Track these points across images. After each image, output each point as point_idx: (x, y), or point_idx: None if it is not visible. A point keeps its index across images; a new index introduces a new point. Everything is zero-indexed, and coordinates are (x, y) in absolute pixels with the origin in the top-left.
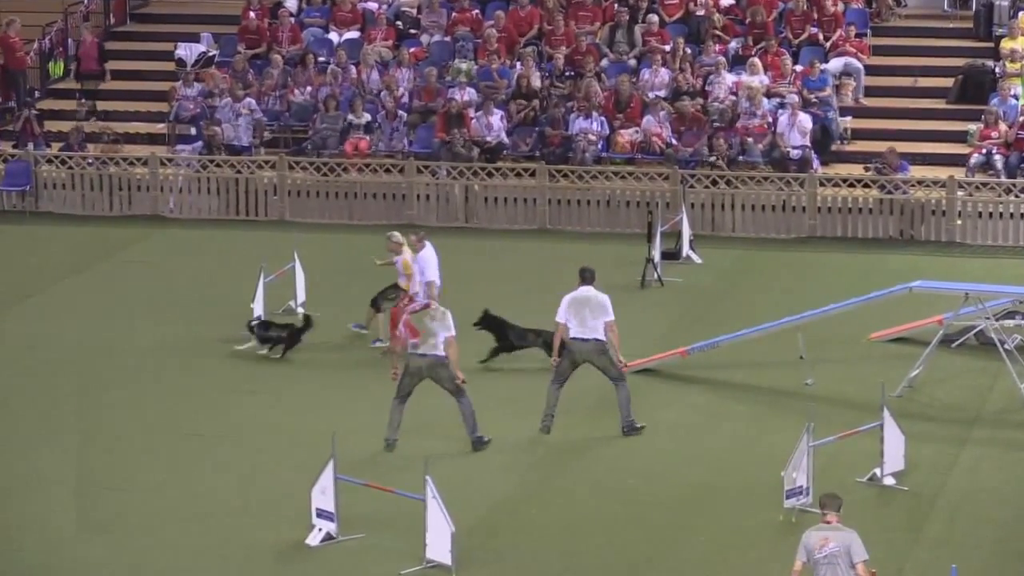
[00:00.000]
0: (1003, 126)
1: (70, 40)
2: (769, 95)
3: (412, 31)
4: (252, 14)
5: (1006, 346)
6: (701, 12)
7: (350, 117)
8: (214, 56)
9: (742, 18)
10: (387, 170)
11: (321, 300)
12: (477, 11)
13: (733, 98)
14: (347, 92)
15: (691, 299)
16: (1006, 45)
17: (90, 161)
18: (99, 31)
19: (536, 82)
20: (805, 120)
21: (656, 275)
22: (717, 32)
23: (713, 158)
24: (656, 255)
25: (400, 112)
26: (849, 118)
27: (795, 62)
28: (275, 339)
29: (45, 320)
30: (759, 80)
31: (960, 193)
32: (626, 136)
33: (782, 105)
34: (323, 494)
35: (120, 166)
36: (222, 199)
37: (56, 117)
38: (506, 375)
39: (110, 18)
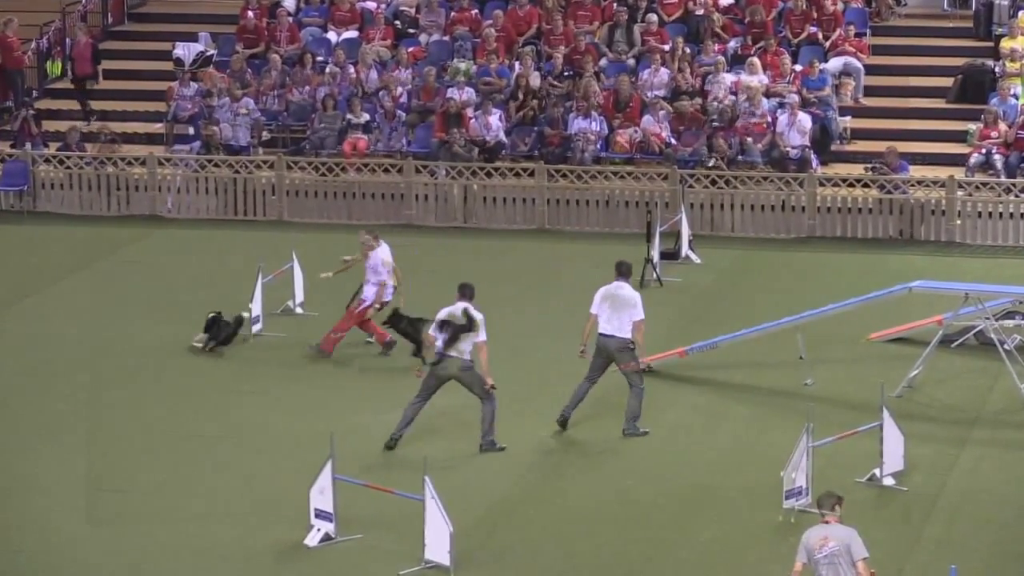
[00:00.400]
0: (1003, 126)
1: (68, 40)
2: (768, 95)
3: (411, 31)
4: (250, 13)
5: (1006, 346)
6: (700, 11)
7: (348, 117)
8: (212, 56)
9: (741, 17)
10: (386, 170)
11: (320, 300)
12: (476, 11)
13: (732, 98)
14: (345, 92)
15: (690, 299)
16: (1006, 44)
17: (88, 161)
18: (97, 31)
19: (535, 82)
20: (804, 120)
21: (655, 275)
22: (717, 32)
23: (712, 161)
24: (655, 255)
25: (399, 112)
26: (849, 118)
27: (794, 62)
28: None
29: (44, 320)
30: (758, 80)
31: (960, 193)
32: (625, 136)
33: (781, 105)
34: (322, 494)
35: (118, 166)
36: (220, 199)
37: (54, 117)
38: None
39: (108, 17)
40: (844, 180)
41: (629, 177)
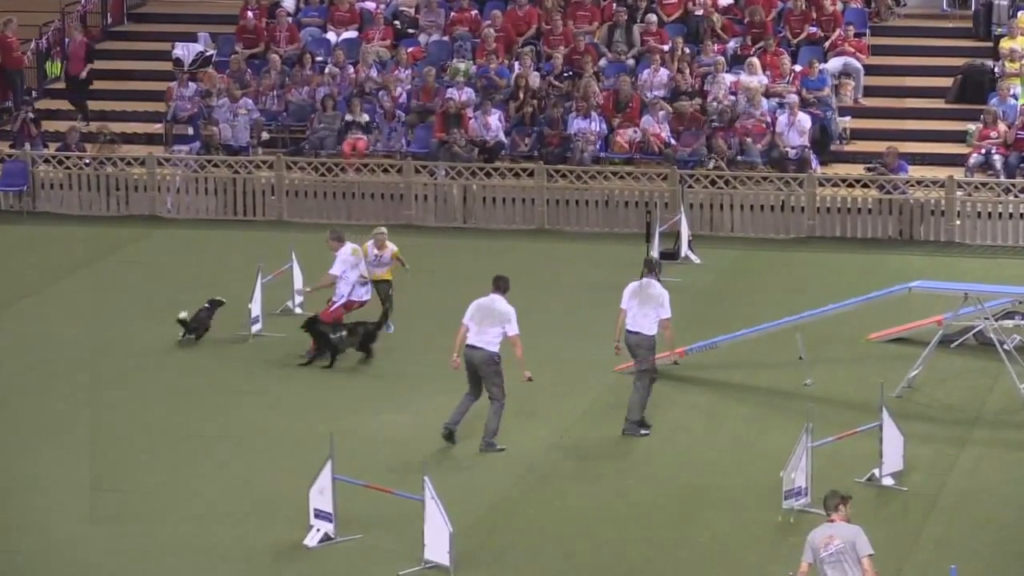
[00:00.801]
0: (1002, 126)
1: (67, 40)
2: (768, 95)
3: (410, 31)
4: (250, 14)
5: (1005, 346)
6: (700, 12)
7: (348, 117)
8: (212, 56)
9: (741, 18)
10: (385, 170)
11: (319, 300)
12: (476, 11)
13: (732, 98)
14: (345, 92)
15: (690, 299)
16: (1005, 45)
17: (87, 161)
18: (98, 30)
19: (535, 82)
20: (804, 120)
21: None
22: (716, 32)
23: (712, 162)
24: (655, 255)
25: (398, 112)
26: (848, 118)
27: (794, 62)
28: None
29: (44, 320)
30: (758, 80)
31: (959, 193)
32: (625, 136)
33: (781, 105)
34: (321, 495)
35: (117, 166)
36: (220, 199)
37: (53, 117)
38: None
39: (107, 18)
40: (844, 180)
41: (629, 177)
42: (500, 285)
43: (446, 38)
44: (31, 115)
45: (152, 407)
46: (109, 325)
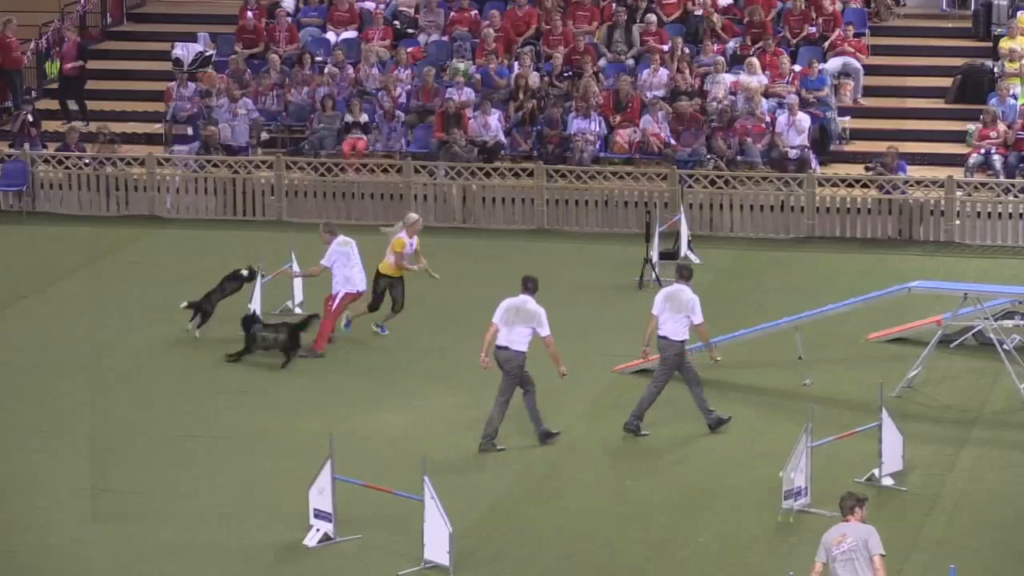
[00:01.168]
0: (1002, 126)
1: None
2: (768, 95)
3: (410, 31)
4: (249, 14)
5: (1005, 346)
6: (699, 12)
7: (348, 117)
8: (211, 56)
9: (740, 18)
10: (385, 170)
11: (319, 300)
12: (475, 11)
13: (732, 98)
14: (344, 92)
15: None
16: (1005, 45)
17: (87, 161)
18: (97, 31)
19: (534, 82)
20: (804, 120)
21: (654, 275)
22: (716, 32)
23: (711, 163)
24: (654, 255)
25: (398, 112)
26: (848, 118)
27: (793, 62)
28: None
29: (44, 320)
30: (757, 80)
31: (959, 193)
32: (624, 136)
33: (780, 105)
34: (321, 494)
35: (117, 166)
36: (219, 199)
37: (53, 117)
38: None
39: (107, 17)
40: (843, 180)
41: (628, 177)
42: (529, 285)
43: (446, 38)
44: (30, 118)
45: (152, 407)
46: (109, 325)
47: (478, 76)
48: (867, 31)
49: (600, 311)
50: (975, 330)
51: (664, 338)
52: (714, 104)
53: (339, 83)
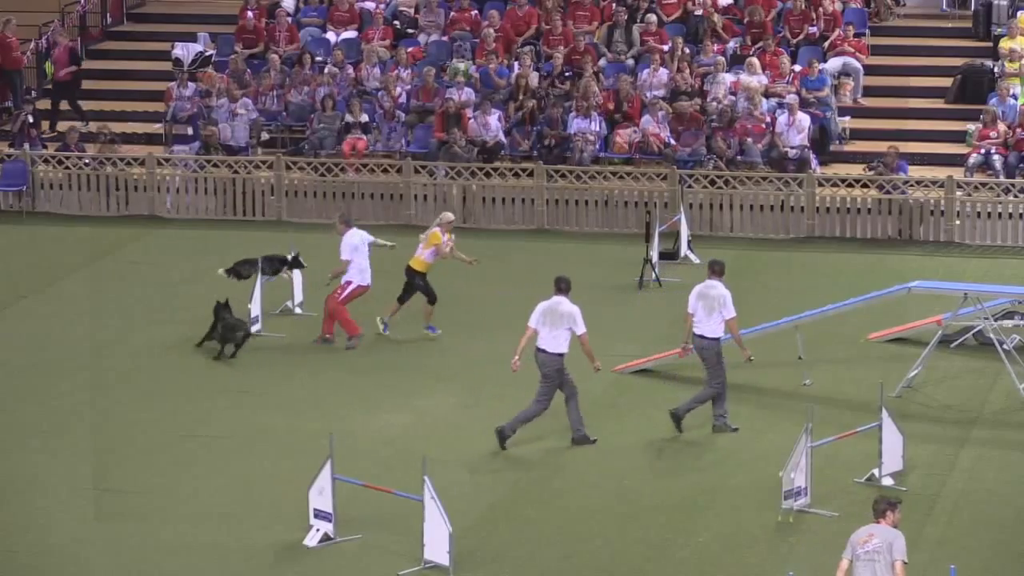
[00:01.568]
0: (1002, 126)
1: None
2: (768, 95)
3: (410, 31)
4: (249, 14)
5: (1005, 346)
6: (699, 12)
7: (348, 117)
8: (211, 56)
9: (740, 18)
10: (385, 170)
11: (319, 301)
12: (475, 11)
13: (732, 98)
14: (344, 92)
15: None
16: (1005, 45)
17: (87, 161)
18: (97, 31)
19: (534, 82)
20: (804, 120)
21: (654, 275)
22: (716, 32)
23: (711, 163)
24: (654, 255)
25: (398, 112)
26: (848, 118)
27: (793, 62)
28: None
29: (43, 320)
30: (757, 80)
31: (959, 193)
32: (624, 136)
33: (780, 105)
34: (321, 494)
35: (117, 166)
36: (219, 199)
37: (46, 117)
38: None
39: (107, 18)
40: (843, 180)
41: (628, 177)
42: (562, 286)
43: (446, 38)
44: (31, 118)
45: (152, 407)
46: (109, 325)
47: (477, 76)
48: (867, 31)
49: (600, 311)
50: (975, 330)
51: (702, 336)
52: (714, 104)
53: (339, 83)
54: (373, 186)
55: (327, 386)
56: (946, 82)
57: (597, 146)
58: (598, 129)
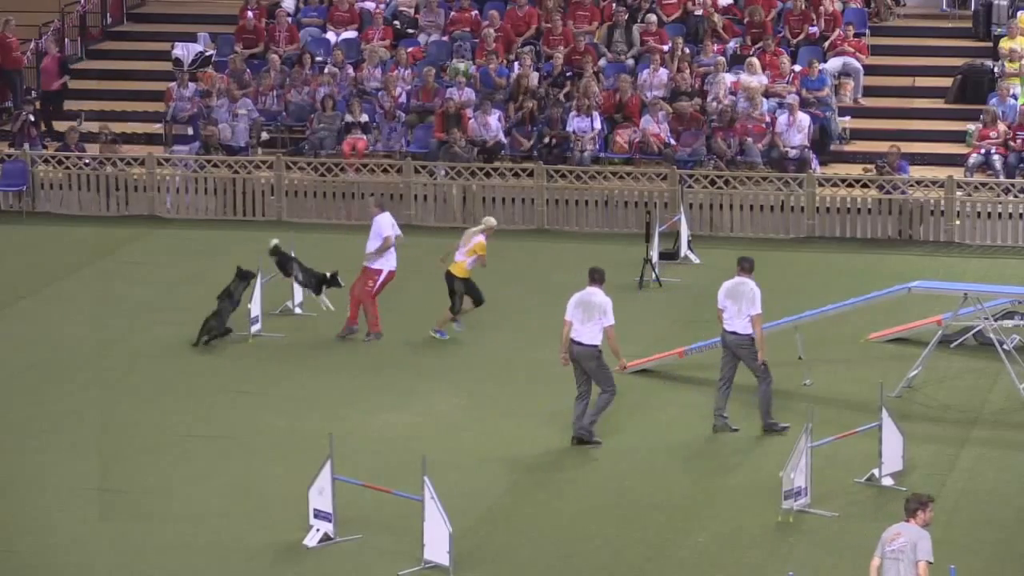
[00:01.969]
0: (1002, 126)
1: (67, 40)
2: (768, 95)
3: (410, 31)
4: (250, 14)
5: (1005, 346)
6: (699, 12)
7: (348, 117)
8: (211, 56)
9: (740, 18)
10: (385, 170)
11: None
12: (475, 11)
13: (732, 98)
14: (344, 92)
15: (690, 299)
16: (1005, 45)
17: (87, 161)
18: (97, 31)
19: (534, 82)
20: (804, 120)
21: (654, 275)
22: (716, 32)
23: (711, 164)
24: (654, 255)
25: (398, 112)
26: (848, 118)
27: (794, 62)
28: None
29: (43, 320)
30: (758, 80)
31: (959, 193)
32: (624, 136)
33: (781, 105)
34: (320, 495)
35: (117, 166)
36: (219, 199)
37: (52, 117)
38: (506, 376)
39: (107, 18)
40: (843, 180)
41: (628, 177)
42: (596, 277)
43: (446, 38)
44: (31, 118)
45: (152, 407)
46: (109, 325)
47: (476, 75)
48: (867, 31)
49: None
50: (975, 330)
51: (734, 333)
52: (714, 104)
53: (339, 83)
54: (373, 186)
55: (327, 386)
56: (946, 82)
57: (597, 146)
58: (598, 129)
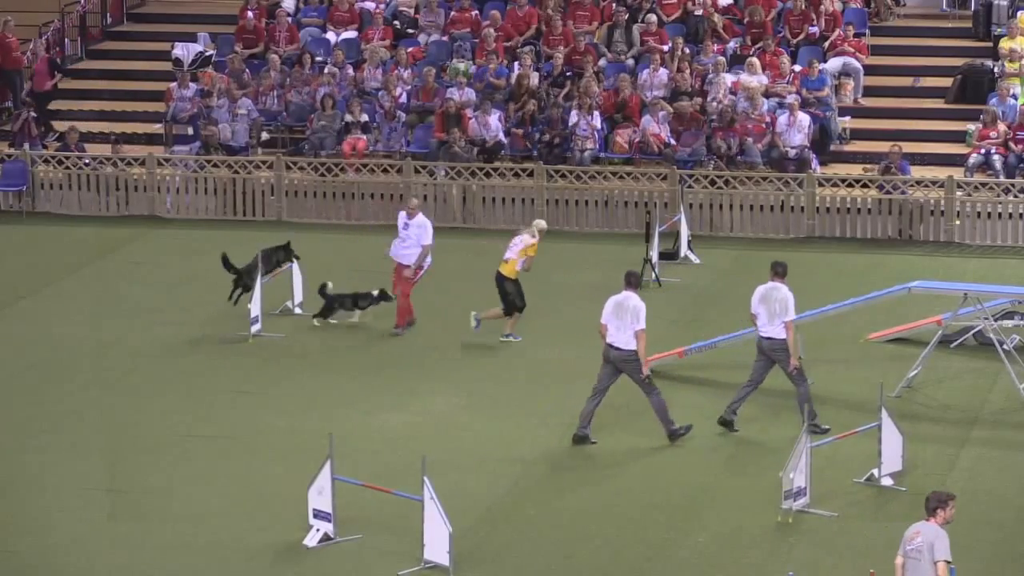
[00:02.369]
0: (1002, 126)
1: (67, 40)
2: (768, 95)
3: (410, 31)
4: (250, 14)
5: (1004, 346)
6: (699, 12)
7: (348, 117)
8: (211, 56)
9: (740, 18)
10: (385, 170)
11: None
12: (476, 11)
13: (732, 98)
14: (345, 92)
15: (689, 299)
16: (1005, 45)
17: (87, 161)
18: (97, 31)
19: (535, 82)
20: (804, 120)
21: (654, 275)
22: (716, 32)
23: (711, 164)
24: (654, 255)
25: (398, 112)
26: (848, 118)
27: (794, 62)
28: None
29: (43, 320)
30: (758, 80)
31: (959, 193)
32: (624, 136)
33: (781, 105)
34: (320, 495)
35: (117, 166)
36: (219, 199)
37: (52, 117)
38: (506, 376)
39: (107, 18)
40: (843, 180)
41: (628, 177)
42: (632, 280)
43: (446, 38)
44: (33, 114)
45: (152, 407)
46: (109, 325)
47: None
48: (867, 31)
49: (600, 311)
50: (975, 330)
51: (769, 338)
52: (714, 104)
53: (339, 83)
54: (373, 186)
55: (327, 386)
56: (946, 82)
57: (597, 146)
58: (598, 129)
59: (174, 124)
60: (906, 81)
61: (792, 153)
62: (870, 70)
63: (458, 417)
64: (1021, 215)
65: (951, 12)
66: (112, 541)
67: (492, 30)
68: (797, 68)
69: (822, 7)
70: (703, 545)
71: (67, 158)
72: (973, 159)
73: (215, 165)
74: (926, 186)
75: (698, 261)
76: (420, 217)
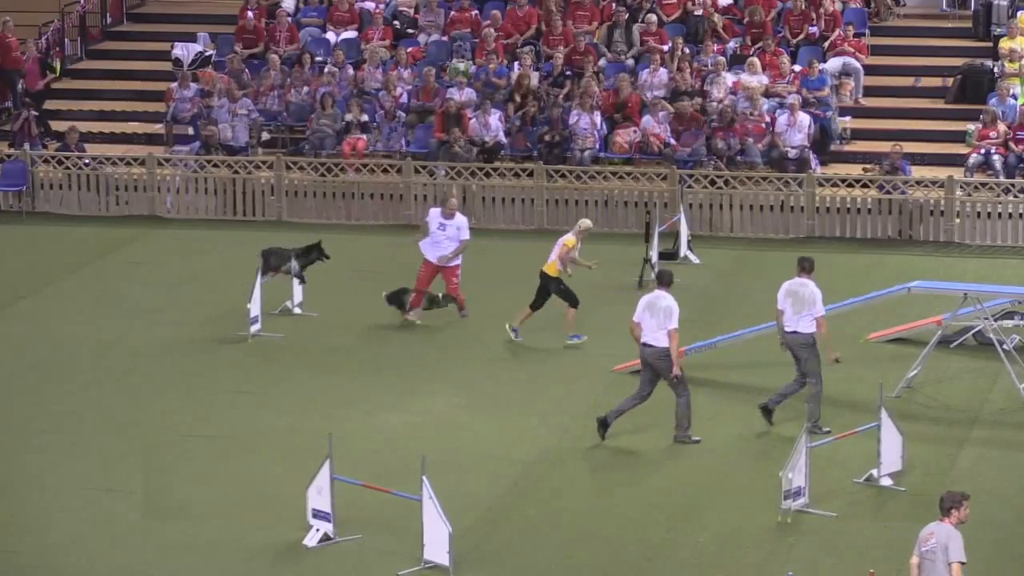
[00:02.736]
0: (1002, 126)
1: (67, 40)
2: (768, 95)
3: (409, 31)
4: (250, 14)
5: (1004, 346)
6: (699, 12)
7: (348, 117)
8: (211, 56)
9: (740, 18)
10: (385, 170)
11: (319, 301)
12: (475, 11)
13: (732, 98)
14: (344, 92)
15: (689, 300)
16: (1005, 45)
17: (87, 161)
18: (97, 31)
19: (534, 82)
20: (804, 120)
21: (654, 275)
22: (716, 32)
23: (711, 165)
24: (654, 255)
25: (398, 112)
26: (848, 118)
27: (794, 62)
28: None
29: (43, 320)
30: (758, 80)
31: (959, 193)
32: (624, 136)
33: (781, 105)
34: (320, 494)
35: (117, 166)
36: (219, 199)
37: (53, 117)
38: (506, 376)
39: (107, 18)
40: (843, 180)
41: (628, 177)
42: (664, 279)
43: (446, 38)
44: (35, 112)
45: (152, 407)
46: (109, 325)
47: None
48: (867, 31)
49: (600, 311)
50: (975, 330)
51: (794, 332)
52: (714, 104)
53: (339, 83)
54: (373, 186)
55: (327, 386)
56: (946, 82)
57: (597, 146)
58: (598, 129)
59: (174, 124)
60: (906, 81)
61: (792, 153)
62: (870, 70)
63: (458, 417)
64: (1021, 215)
65: (951, 12)
66: (112, 541)
67: (492, 30)
68: (797, 68)
69: (822, 7)
70: (703, 545)
71: (67, 158)
72: (973, 159)
73: (215, 165)
74: (926, 186)
75: (698, 261)
76: (459, 217)
